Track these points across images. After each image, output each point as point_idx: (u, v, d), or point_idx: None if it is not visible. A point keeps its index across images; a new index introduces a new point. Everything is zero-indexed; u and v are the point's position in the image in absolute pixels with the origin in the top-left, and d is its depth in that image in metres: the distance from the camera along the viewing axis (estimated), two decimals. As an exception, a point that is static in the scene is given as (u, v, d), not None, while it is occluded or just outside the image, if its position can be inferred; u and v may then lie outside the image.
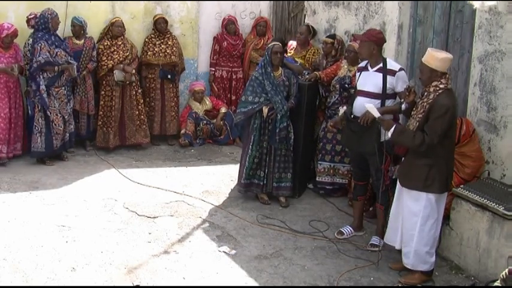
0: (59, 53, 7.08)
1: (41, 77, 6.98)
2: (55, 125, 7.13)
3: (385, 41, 5.55)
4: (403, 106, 5.07)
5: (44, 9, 7.14)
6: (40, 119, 7.07)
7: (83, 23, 7.61)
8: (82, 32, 7.64)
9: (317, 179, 6.69)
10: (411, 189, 4.83)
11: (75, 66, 7.20)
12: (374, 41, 5.36)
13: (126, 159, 7.69)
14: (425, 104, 4.69)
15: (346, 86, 6.33)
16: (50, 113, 7.08)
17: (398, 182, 5.03)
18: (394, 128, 4.80)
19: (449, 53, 5.89)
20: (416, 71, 5.72)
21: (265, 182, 6.41)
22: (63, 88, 7.18)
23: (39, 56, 6.93)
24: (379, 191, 5.45)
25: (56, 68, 7.02)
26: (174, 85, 8.42)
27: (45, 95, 6.98)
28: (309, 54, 7.44)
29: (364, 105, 5.17)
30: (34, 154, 7.16)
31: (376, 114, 5.00)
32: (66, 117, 7.24)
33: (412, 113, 4.84)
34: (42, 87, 6.96)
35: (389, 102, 5.39)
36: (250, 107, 6.29)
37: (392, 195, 5.26)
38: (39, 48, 6.95)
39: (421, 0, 6.37)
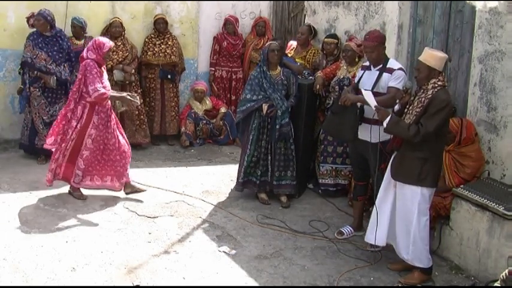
0: (39, 54, 7.07)
1: (27, 75, 7.13)
2: (35, 124, 7.20)
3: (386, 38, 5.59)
4: (396, 107, 5.08)
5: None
6: (28, 114, 7.25)
7: (83, 24, 7.60)
8: (82, 32, 7.64)
9: (320, 181, 6.69)
10: (404, 183, 4.84)
11: (53, 78, 7.05)
12: (382, 42, 5.39)
13: (126, 159, 7.68)
14: (423, 98, 4.72)
15: (346, 87, 6.32)
16: (30, 112, 7.22)
17: (386, 177, 5.04)
18: (390, 117, 4.81)
19: (449, 53, 5.93)
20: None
21: (262, 179, 6.42)
22: (37, 90, 7.13)
23: (25, 54, 7.15)
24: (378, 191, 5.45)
25: (36, 72, 7.10)
26: (174, 85, 8.43)
27: (28, 93, 7.16)
28: (309, 54, 7.43)
29: (363, 91, 5.17)
30: (21, 146, 7.43)
31: (373, 103, 4.99)
32: (45, 118, 7.16)
33: (407, 109, 4.86)
34: (27, 85, 7.13)
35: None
36: (249, 105, 6.31)
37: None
38: (25, 46, 7.15)
39: (421, 0, 6.37)
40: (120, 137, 6.21)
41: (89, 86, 5.83)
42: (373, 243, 5.14)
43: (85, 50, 6.03)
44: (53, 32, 7.15)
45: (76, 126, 5.98)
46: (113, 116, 6.17)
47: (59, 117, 6.11)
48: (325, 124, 5.85)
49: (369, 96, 5.04)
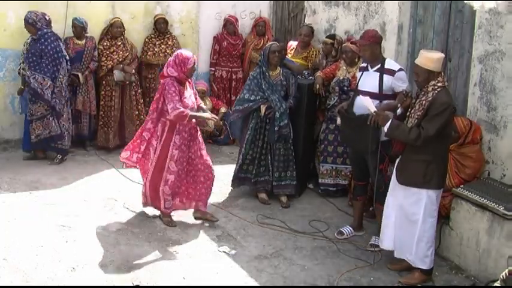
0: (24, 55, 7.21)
1: None
2: None
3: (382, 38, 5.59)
4: (398, 111, 5.07)
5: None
6: None
7: (84, 24, 7.61)
8: (83, 32, 7.64)
9: (320, 180, 6.70)
10: (409, 186, 4.83)
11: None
12: (376, 42, 5.39)
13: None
14: (424, 102, 4.70)
15: (346, 88, 6.33)
16: None
17: (392, 180, 5.03)
18: (390, 122, 4.81)
19: (449, 53, 5.93)
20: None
21: (262, 179, 6.44)
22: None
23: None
24: (378, 191, 5.45)
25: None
26: (174, 85, 8.42)
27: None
28: (311, 55, 7.44)
29: (361, 99, 5.17)
30: None
31: (372, 108, 5.00)
32: (27, 114, 7.21)
33: (409, 112, 4.85)
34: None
35: (388, 102, 5.39)
36: (247, 105, 6.31)
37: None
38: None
39: (421, 0, 6.37)
40: (205, 158, 5.83)
41: (168, 105, 5.46)
42: (382, 247, 5.14)
43: (165, 65, 5.60)
44: (37, 35, 7.04)
45: (156, 146, 5.65)
46: (199, 135, 5.80)
47: (135, 135, 5.82)
48: (343, 138, 5.88)
49: (367, 102, 5.05)
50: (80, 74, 7.53)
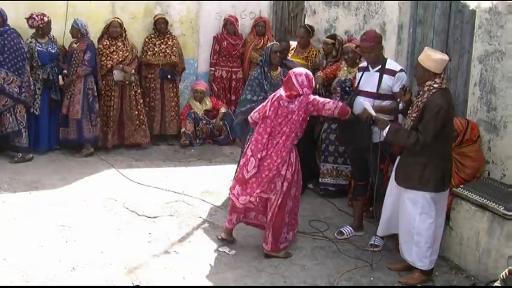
0: None
1: None
2: None
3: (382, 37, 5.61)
4: (400, 106, 5.11)
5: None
6: None
7: (79, 26, 7.46)
8: (79, 35, 7.53)
9: (320, 180, 6.69)
10: (407, 188, 4.84)
11: None
12: (379, 42, 5.40)
13: (126, 159, 7.68)
14: (419, 103, 4.72)
15: (348, 88, 6.32)
16: None
17: (390, 180, 5.06)
18: (389, 127, 4.83)
19: (449, 53, 5.92)
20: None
21: None
22: None
23: None
24: (378, 191, 5.45)
25: None
26: (174, 85, 8.43)
27: None
28: (311, 54, 7.43)
29: (362, 103, 5.19)
30: None
31: (372, 112, 5.02)
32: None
33: (408, 112, 4.87)
34: None
35: (388, 103, 5.39)
36: (249, 105, 6.30)
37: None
38: None
39: (421, 0, 6.37)
40: None
41: (325, 105, 5.12)
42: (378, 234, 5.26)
43: (298, 87, 5.12)
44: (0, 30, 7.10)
45: (285, 174, 5.16)
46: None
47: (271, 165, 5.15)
48: (340, 138, 5.85)
49: (367, 105, 5.08)
50: (60, 77, 7.41)
